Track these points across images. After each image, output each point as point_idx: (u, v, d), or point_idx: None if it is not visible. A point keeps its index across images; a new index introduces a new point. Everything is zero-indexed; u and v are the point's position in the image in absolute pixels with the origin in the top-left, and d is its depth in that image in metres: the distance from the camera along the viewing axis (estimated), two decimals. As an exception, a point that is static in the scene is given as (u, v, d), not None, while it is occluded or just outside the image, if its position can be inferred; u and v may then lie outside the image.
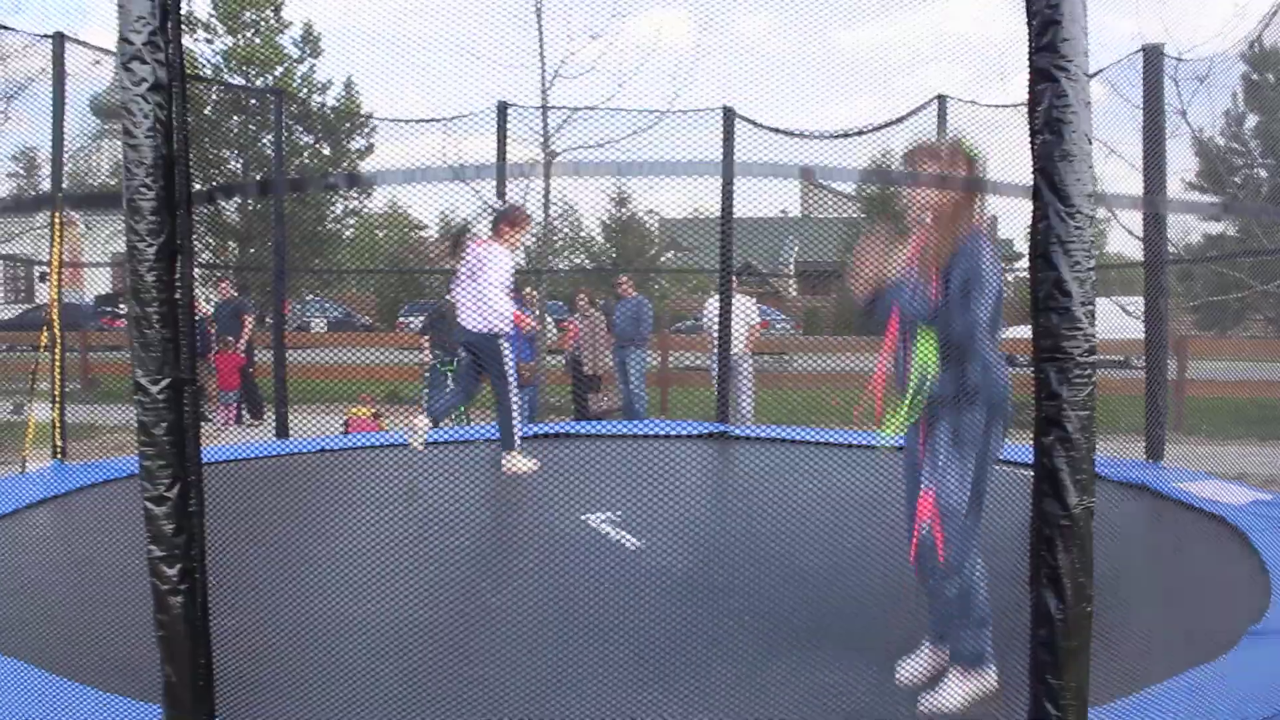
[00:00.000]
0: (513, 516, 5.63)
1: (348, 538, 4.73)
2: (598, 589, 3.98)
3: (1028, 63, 2.14)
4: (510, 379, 6.55)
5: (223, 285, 12.49)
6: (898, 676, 3.22)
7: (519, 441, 6.62)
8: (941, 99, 7.73)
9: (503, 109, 8.11)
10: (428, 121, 8.51)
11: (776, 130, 8.13)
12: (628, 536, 4.86)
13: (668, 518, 5.08)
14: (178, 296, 2.07)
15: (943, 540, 3.15)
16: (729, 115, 7.99)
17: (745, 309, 10.78)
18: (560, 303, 16.15)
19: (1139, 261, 6.44)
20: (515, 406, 6.60)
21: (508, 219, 6.65)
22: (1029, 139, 2.16)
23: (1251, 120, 11.68)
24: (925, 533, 3.18)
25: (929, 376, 3.21)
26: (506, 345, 6.52)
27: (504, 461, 6.59)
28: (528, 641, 3.41)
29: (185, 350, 2.08)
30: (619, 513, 5.24)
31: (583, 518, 5.20)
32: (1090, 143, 2.11)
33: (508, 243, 6.58)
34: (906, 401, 3.26)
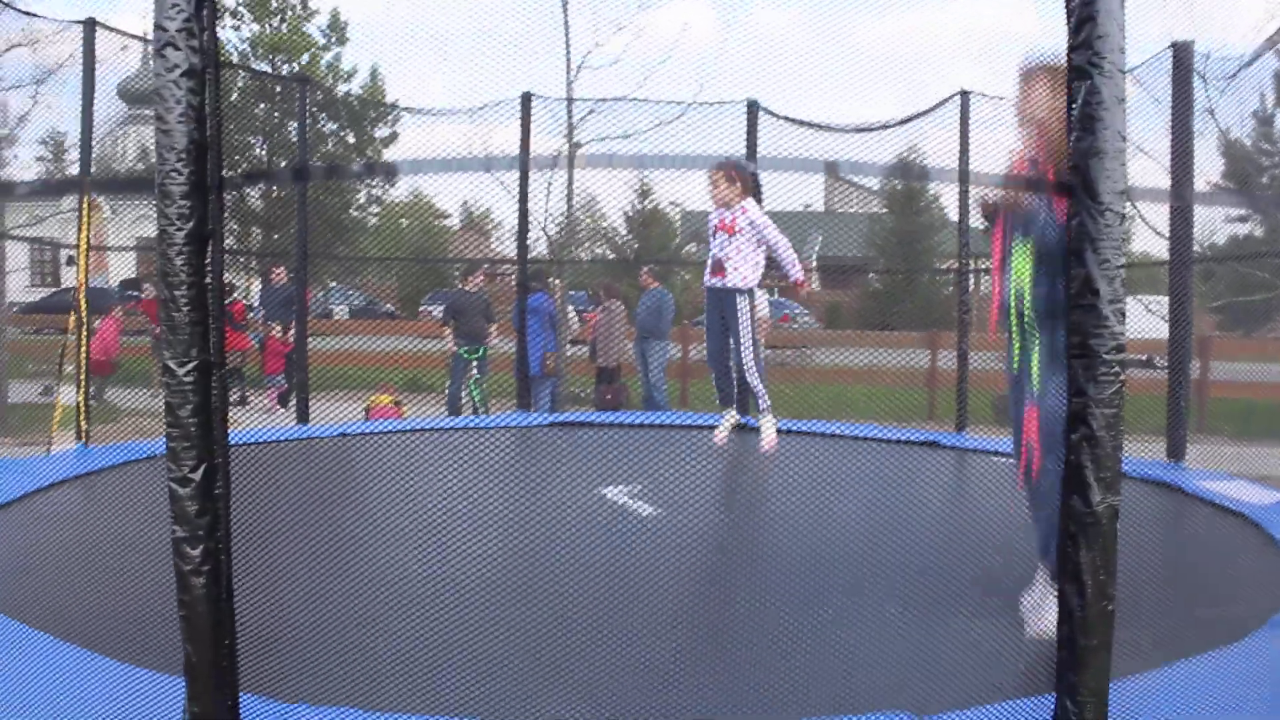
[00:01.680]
0: (533, 494, 5.65)
1: (368, 519, 4.77)
2: (616, 553, 4.16)
3: (1065, 59, 2.13)
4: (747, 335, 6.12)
5: (276, 271, 12.40)
6: (1021, 607, 3.23)
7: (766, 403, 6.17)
8: (964, 94, 7.67)
9: (527, 99, 8.10)
10: (452, 113, 8.53)
11: (800, 123, 8.09)
12: (645, 506, 5.08)
13: (683, 494, 5.25)
14: (207, 281, 2.08)
15: (1040, 459, 3.15)
16: (753, 109, 7.96)
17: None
18: (583, 292, 16.14)
19: (1163, 260, 6.39)
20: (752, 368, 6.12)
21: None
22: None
23: (1281, 120, 11.56)
24: (1030, 452, 3.18)
25: (1024, 292, 3.22)
26: (745, 301, 6.10)
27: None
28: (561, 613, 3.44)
29: (214, 334, 2.10)
30: (636, 486, 5.43)
31: (600, 491, 5.35)
32: (1124, 140, 2.09)
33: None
34: (1010, 319, 3.28)
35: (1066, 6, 2.12)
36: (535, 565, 4.15)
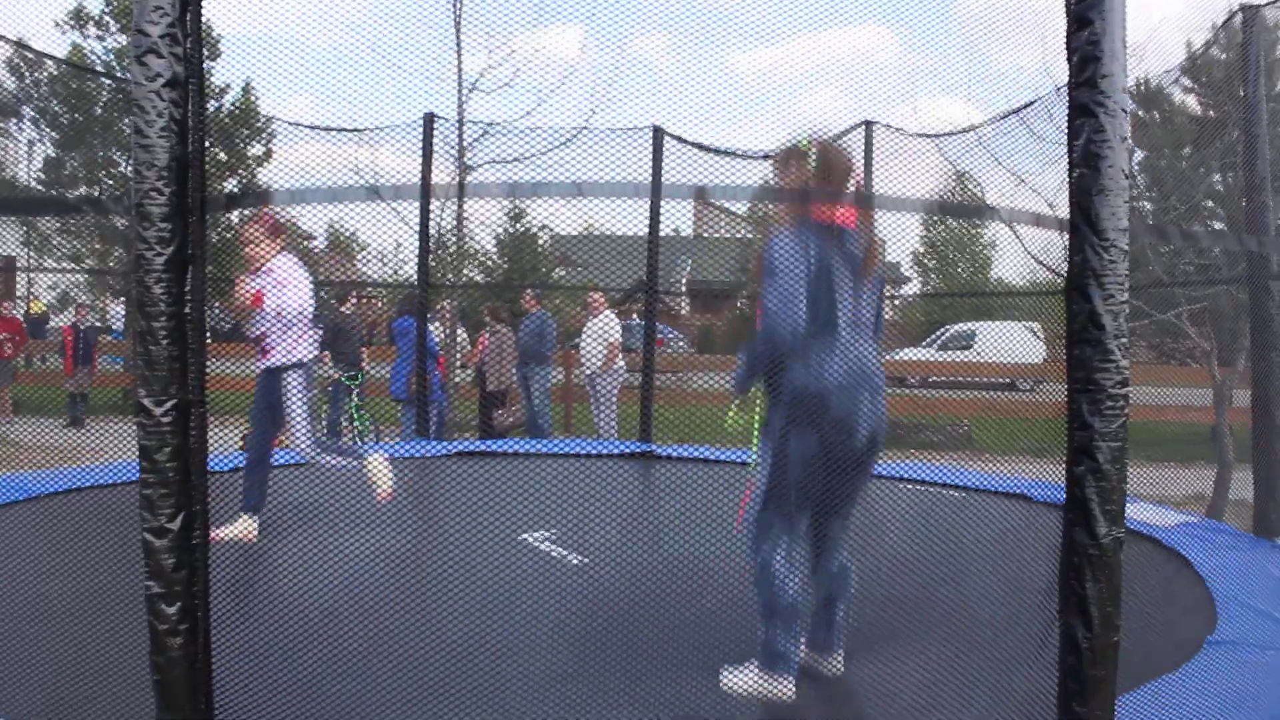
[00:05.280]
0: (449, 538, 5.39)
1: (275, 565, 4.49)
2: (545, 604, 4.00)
3: (1067, 97, 2.15)
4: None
5: None
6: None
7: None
8: (869, 124, 7.86)
9: (429, 121, 7.88)
10: (348, 132, 8.24)
11: (707, 149, 8.09)
12: (568, 554, 4.86)
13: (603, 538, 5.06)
14: (187, 310, 1.91)
15: (741, 525, 3.26)
16: (658, 135, 7.91)
17: (605, 327, 10.66)
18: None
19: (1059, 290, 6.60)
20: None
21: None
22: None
23: (1139, 155, 12.24)
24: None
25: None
26: (295, 376, 5.11)
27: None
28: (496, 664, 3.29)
29: (194, 369, 1.92)
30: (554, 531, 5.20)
31: (520, 537, 5.10)
32: (1127, 178, 2.12)
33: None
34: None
35: (1068, 45, 2.14)
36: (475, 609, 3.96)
